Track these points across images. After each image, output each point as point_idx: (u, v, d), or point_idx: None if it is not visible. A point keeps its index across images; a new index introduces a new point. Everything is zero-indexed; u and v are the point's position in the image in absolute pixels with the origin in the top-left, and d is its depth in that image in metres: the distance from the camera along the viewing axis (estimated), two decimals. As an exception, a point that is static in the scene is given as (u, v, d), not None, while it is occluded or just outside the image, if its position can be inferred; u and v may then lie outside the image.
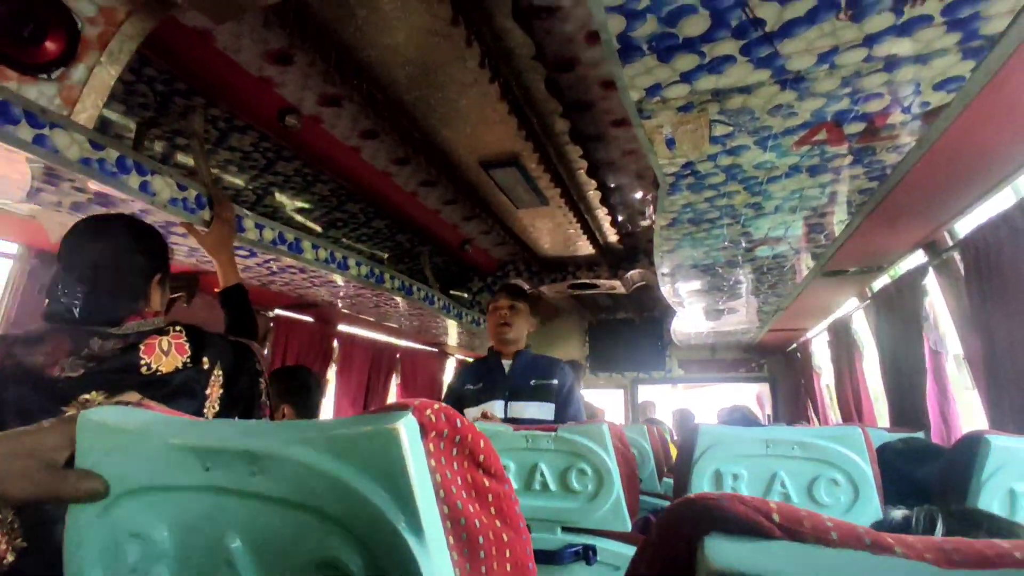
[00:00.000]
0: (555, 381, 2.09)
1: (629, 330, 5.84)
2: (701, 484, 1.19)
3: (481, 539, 0.39)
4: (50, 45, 1.19)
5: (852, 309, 3.29)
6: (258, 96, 1.84)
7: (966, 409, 2.23)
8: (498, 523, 0.41)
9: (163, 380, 1.03)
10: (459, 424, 0.40)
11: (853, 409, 3.29)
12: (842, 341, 3.47)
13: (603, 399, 5.40)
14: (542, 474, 1.29)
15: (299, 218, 2.77)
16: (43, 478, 0.44)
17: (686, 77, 1.21)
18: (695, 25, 1.05)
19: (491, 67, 1.70)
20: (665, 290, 3.13)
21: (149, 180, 1.44)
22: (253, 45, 1.62)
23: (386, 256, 3.35)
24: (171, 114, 1.82)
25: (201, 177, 1.70)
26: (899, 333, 2.52)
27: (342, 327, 3.48)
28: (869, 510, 1.10)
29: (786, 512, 0.30)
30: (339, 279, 2.33)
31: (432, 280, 3.34)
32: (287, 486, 0.39)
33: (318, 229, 2.90)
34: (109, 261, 1.07)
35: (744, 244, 2.31)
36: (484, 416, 1.80)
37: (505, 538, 0.41)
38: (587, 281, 4.03)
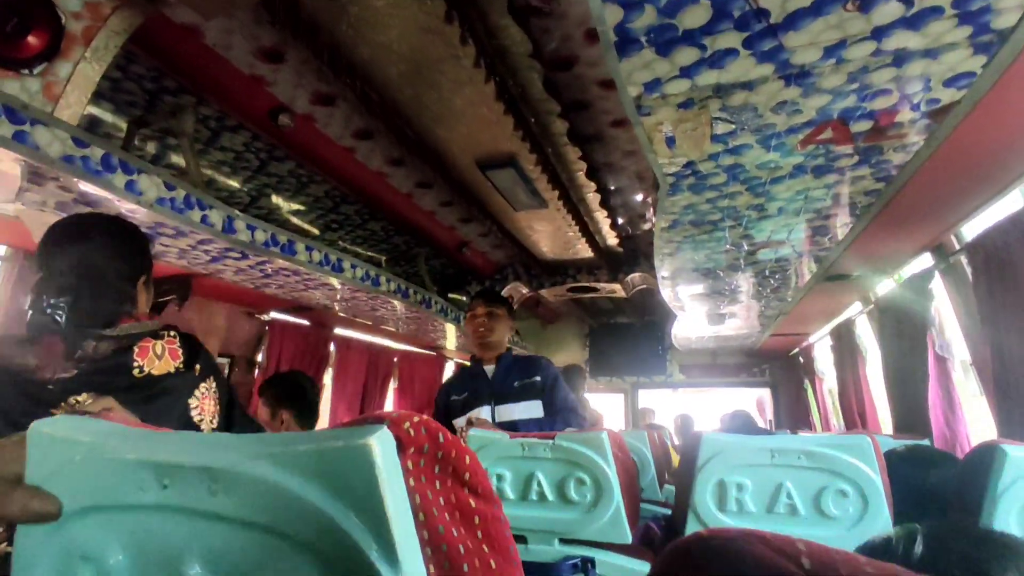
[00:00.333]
0: (538, 378, 2.09)
1: (630, 334, 5.82)
2: (704, 495, 1.16)
3: (466, 567, 0.36)
4: (33, 40, 1.16)
5: (856, 313, 3.25)
6: (249, 94, 1.80)
7: (974, 416, 2.19)
8: (485, 548, 0.37)
9: (152, 382, 1.02)
10: (442, 439, 0.36)
11: (856, 415, 3.26)
12: (845, 346, 3.43)
13: (603, 404, 5.36)
14: (539, 484, 1.25)
15: (295, 220, 2.74)
16: None
17: (686, 72, 1.17)
18: (696, 16, 1.01)
19: (486, 65, 1.67)
20: (666, 294, 3.09)
21: (135, 179, 1.40)
22: (244, 42, 1.58)
23: (384, 259, 3.32)
24: (160, 113, 1.78)
25: (192, 178, 1.67)
26: (904, 338, 2.48)
27: (338, 331, 3.43)
28: (879, 523, 1.06)
29: (817, 555, 0.25)
30: (335, 282, 2.29)
31: (429, 283, 3.30)
32: (250, 507, 0.35)
33: (316, 232, 2.87)
34: (91, 269, 1.04)
35: (746, 247, 2.27)
36: (470, 423, 1.76)
37: (493, 565, 0.37)
38: (587, 285, 4.00)
